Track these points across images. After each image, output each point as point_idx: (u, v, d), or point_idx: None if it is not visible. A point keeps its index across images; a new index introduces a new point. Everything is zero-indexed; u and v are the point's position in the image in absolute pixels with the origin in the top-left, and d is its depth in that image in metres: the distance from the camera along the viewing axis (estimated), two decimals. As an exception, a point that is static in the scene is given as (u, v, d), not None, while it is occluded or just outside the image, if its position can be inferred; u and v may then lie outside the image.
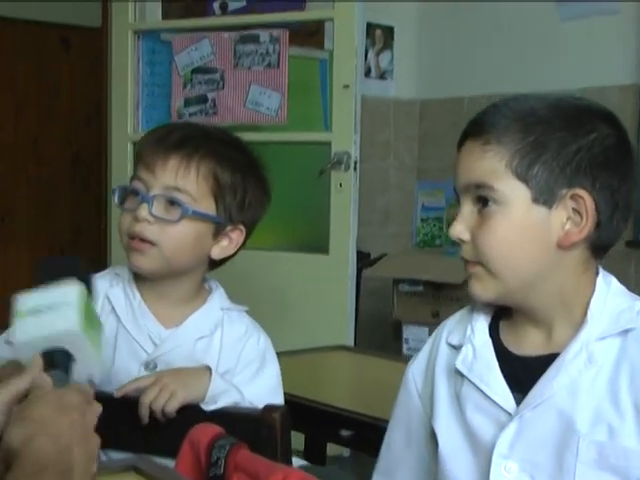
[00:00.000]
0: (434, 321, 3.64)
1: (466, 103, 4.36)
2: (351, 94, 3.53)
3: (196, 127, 1.73)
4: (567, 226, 1.24)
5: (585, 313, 1.26)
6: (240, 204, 1.63)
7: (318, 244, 3.71)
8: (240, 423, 1.47)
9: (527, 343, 1.31)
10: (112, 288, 1.64)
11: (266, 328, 1.76)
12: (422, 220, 4.66)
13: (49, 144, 5.64)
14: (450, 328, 1.40)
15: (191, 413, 1.48)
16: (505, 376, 1.29)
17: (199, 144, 1.61)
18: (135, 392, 1.50)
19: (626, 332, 1.25)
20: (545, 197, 1.23)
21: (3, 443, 0.99)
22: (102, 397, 1.11)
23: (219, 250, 1.65)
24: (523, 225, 1.24)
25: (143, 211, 1.57)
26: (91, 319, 1.12)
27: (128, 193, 1.64)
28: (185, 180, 1.58)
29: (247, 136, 3.69)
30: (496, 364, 1.30)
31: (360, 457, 1.70)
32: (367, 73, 4.45)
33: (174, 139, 1.60)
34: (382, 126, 4.50)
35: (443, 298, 3.61)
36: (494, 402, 1.28)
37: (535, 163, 1.23)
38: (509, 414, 1.26)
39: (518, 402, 1.27)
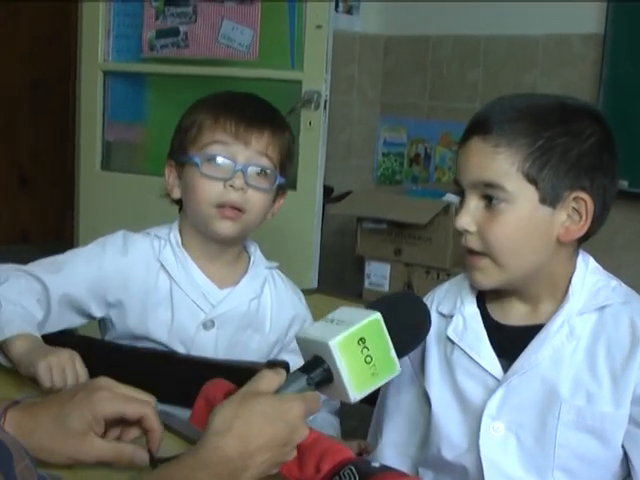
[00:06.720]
0: (396, 258, 3.77)
1: (431, 42, 4.42)
2: (323, 34, 3.57)
3: (250, 98, 1.76)
4: (566, 224, 1.36)
5: (566, 289, 1.40)
6: (293, 167, 1.78)
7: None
8: (243, 376, 1.58)
9: (512, 314, 1.44)
10: (162, 250, 1.71)
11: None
12: (383, 155, 4.76)
13: (7, 66, 5.54)
14: (439, 298, 1.53)
15: (202, 366, 1.59)
16: (492, 344, 1.42)
17: (273, 117, 1.71)
18: None
19: (603, 308, 1.39)
20: (551, 198, 1.34)
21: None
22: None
23: (273, 211, 1.76)
24: (530, 222, 1.35)
25: (239, 180, 1.64)
26: (373, 347, 1.11)
27: (204, 160, 1.66)
28: (274, 151, 1.67)
29: (219, 71, 3.79)
30: (485, 334, 1.43)
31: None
32: (335, 7, 4.47)
33: (258, 111, 1.68)
34: (347, 61, 4.53)
35: (405, 236, 3.73)
36: (483, 368, 1.41)
37: (544, 167, 1.32)
38: (497, 379, 1.40)
39: (504, 367, 1.40)
